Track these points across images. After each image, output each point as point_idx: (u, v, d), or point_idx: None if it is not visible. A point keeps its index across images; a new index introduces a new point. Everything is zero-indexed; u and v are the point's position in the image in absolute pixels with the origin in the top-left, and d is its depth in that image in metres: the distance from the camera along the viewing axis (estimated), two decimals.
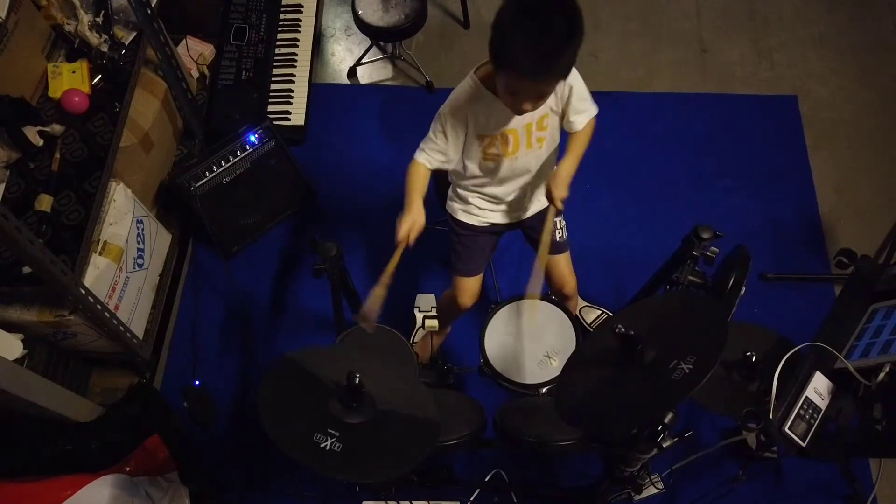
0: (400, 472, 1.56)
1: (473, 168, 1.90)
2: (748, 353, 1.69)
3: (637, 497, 1.75)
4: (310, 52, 3.00)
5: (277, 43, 2.98)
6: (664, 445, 1.38)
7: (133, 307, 2.34)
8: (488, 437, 1.87)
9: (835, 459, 2.22)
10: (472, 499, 2.15)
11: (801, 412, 1.51)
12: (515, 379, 2.03)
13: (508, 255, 2.66)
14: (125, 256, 2.26)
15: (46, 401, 1.98)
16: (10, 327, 2.03)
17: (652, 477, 1.77)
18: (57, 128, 2.09)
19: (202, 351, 2.57)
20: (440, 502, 1.90)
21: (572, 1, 1.50)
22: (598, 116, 1.93)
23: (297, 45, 3.01)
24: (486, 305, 2.24)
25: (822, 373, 1.56)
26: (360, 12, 2.79)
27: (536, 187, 2.00)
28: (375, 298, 1.77)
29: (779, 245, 2.79)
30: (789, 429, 1.49)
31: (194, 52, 2.86)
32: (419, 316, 2.45)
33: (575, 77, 1.77)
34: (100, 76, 2.22)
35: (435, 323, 2.15)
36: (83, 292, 1.96)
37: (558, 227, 2.12)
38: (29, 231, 1.69)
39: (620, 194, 2.89)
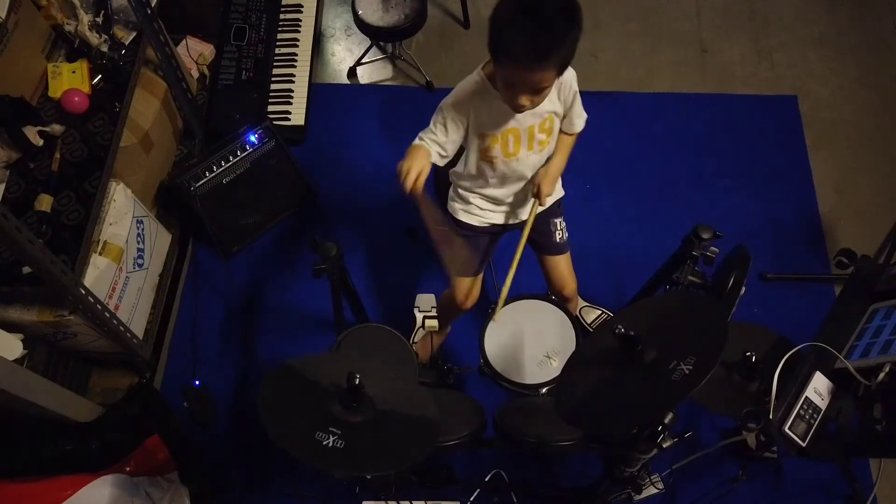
0: (403, 466, 1.56)
1: (472, 167, 1.90)
2: (748, 353, 1.69)
3: (637, 497, 1.75)
4: (310, 52, 3.00)
5: (277, 43, 2.98)
6: (664, 445, 1.39)
7: (133, 307, 2.34)
8: (488, 437, 1.87)
9: (835, 459, 2.22)
10: (472, 499, 2.15)
11: (801, 412, 1.51)
12: (515, 379, 2.03)
13: (508, 256, 2.64)
14: (125, 256, 2.26)
15: (46, 401, 1.98)
16: (10, 327, 2.03)
17: (652, 477, 1.77)
18: (57, 128, 2.09)
19: (202, 351, 2.57)
20: (440, 502, 1.90)
21: None
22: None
23: (297, 45, 3.01)
24: (486, 305, 2.24)
25: (822, 373, 1.56)
26: (360, 12, 2.79)
27: None
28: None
29: (779, 245, 2.79)
30: (789, 429, 1.49)
31: (194, 52, 2.86)
32: (419, 316, 2.45)
33: (573, 78, 1.79)
34: (100, 76, 2.22)
35: (435, 323, 2.15)
36: (83, 292, 1.96)
37: (558, 227, 2.12)
38: (29, 231, 1.69)
39: (620, 194, 2.89)
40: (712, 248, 1.95)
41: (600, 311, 2.55)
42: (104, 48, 2.22)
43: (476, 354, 2.11)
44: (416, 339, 2.43)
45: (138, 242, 2.36)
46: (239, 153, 2.55)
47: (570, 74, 1.77)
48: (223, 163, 2.53)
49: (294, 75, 2.95)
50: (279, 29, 3.01)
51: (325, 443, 1.38)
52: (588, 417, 1.50)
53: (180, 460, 2.20)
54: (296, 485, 2.25)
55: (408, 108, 3.07)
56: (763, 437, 1.66)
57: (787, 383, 1.54)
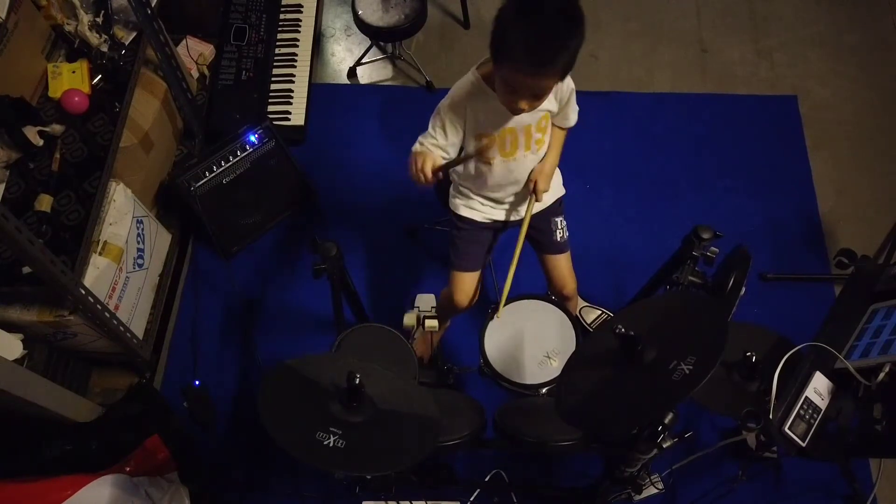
0: (403, 466, 1.57)
1: (472, 168, 1.90)
2: (748, 354, 1.69)
3: (637, 497, 1.75)
4: (310, 52, 3.00)
5: (277, 43, 2.98)
6: (664, 446, 1.39)
7: (133, 307, 2.34)
8: (488, 437, 1.87)
9: (835, 459, 2.22)
10: (472, 499, 2.15)
11: (801, 412, 1.51)
12: (515, 379, 2.03)
13: (508, 255, 2.65)
14: (125, 256, 2.26)
15: (46, 401, 1.98)
16: (10, 327, 2.03)
17: (652, 477, 1.77)
18: (57, 128, 2.09)
19: (202, 351, 2.57)
20: (440, 502, 1.90)
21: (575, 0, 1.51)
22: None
23: (297, 45, 3.01)
24: (487, 305, 2.24)
25: (822, 373, 1.56)
26: (360, 12, 2.79)
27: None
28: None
29: (779, 245, 2.79)
30: (789, 429, 1.49)
31: (194, 52, 2.86)
32: (408, 318, 2.44)
33: (570, 79, 1.80)
34: (100, 76, 2.22)
35: (434, 323, 2.14)
36: (83, 292, 1.96)
37: (559, 226, 2.12)
38: (29, 231, 1.69)
39: (620, 194, 2.89)
40: (712, 248, 1.95)
41: (600, 311, 2.55)
42: (104, 48, 2.22)
43: (476, 354, 2.11)
44: (415, 335, 2.43)
45: (138, 242, 2.36)
46: (239, 153, 2.55)
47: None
48: (223, 163, 2.53)
49: (294, 75, 2.95)
50: (279, 29, 3.01)
51: (325, 443, 1.38)
52: (588, 417, 1.50)
53: (180, 460, 2.20)
54: (296, 485, 2.25)
55: (408, 108, 3.07)
56: (763, 437, 1.67)
57: (787, 383, 1.54)
